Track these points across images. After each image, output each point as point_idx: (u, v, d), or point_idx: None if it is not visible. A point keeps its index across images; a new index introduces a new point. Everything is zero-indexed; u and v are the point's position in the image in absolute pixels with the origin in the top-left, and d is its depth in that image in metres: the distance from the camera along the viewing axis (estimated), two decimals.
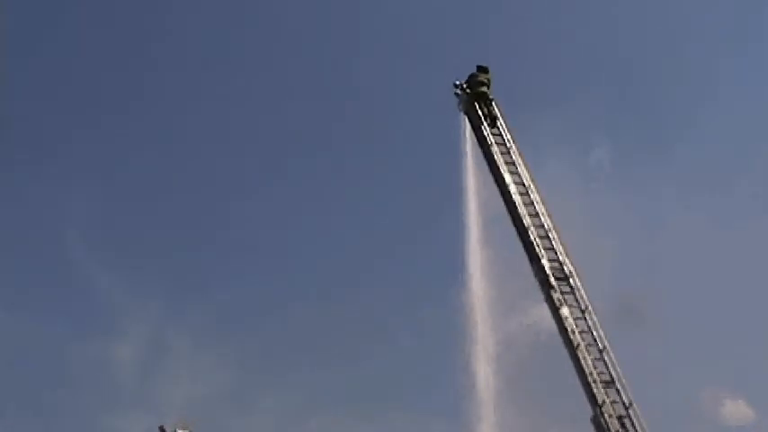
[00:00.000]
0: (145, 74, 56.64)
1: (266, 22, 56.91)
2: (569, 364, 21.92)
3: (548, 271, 22.85)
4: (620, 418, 21.33)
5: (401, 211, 49.09)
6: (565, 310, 22.38)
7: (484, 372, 22.96)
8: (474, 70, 25.16)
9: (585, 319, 22.37)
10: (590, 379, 21.58)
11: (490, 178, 24.06)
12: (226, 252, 51.69)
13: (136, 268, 48.17)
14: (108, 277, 47.41)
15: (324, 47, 55.78)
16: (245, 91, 55.66)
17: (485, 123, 24.54)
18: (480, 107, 24.69)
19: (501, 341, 23.21)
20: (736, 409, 39.33)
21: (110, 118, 55.38)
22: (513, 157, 24.30)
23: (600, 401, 21.35)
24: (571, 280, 22.86)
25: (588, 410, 21.49)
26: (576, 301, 22.64)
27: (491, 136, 24.45)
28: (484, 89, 24.81)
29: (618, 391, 21.59)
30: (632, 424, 21.28)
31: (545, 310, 22.68)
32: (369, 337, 44.03)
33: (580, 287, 22.81)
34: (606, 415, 21.23)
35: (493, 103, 24.83)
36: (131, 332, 47.04)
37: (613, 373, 21.76)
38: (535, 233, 23.37)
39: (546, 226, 23.61)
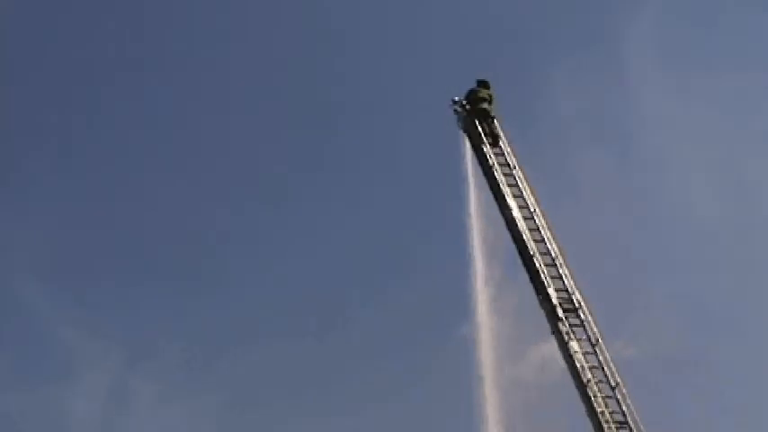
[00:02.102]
0: (109, 78, 49.16)
1: (259, 27, 50.41)
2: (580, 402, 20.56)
3: (555, 302, 21.49)
4: None
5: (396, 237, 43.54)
6: (574, 345, 21.05)
7: (493, 413, 21.53)
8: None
9: (596, 353, 21.03)
10: (601, 419, 20.28)
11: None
12: (200, 285, 44.97)
13: (93, 306, 42.50)
14: (61, 316, 41.61)
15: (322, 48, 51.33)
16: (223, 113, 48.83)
17: (486, 143, 23.30)
18: (481, 125, 23.48)
19: (511, 379, 21.87)
20: None
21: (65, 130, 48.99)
22: (517, 178, 23.06)
23: None
24: (580, 311, 21.48)
25: None
26: (586, 333, 21.30)
27: (493, 156, 23.19)
28: (485, 105, 23.64)
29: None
30: None
31: (554, 346, 21.34)
32: (369, 379, 39.39)
33: (590, 319, 21.42)
34: None
35: (495, 122, 23.61)
36: (88, 379, 40.95)
37: (627, 413, 20.37)
38: (541, 261, 22.06)
39: (553, 253, 22.28)
